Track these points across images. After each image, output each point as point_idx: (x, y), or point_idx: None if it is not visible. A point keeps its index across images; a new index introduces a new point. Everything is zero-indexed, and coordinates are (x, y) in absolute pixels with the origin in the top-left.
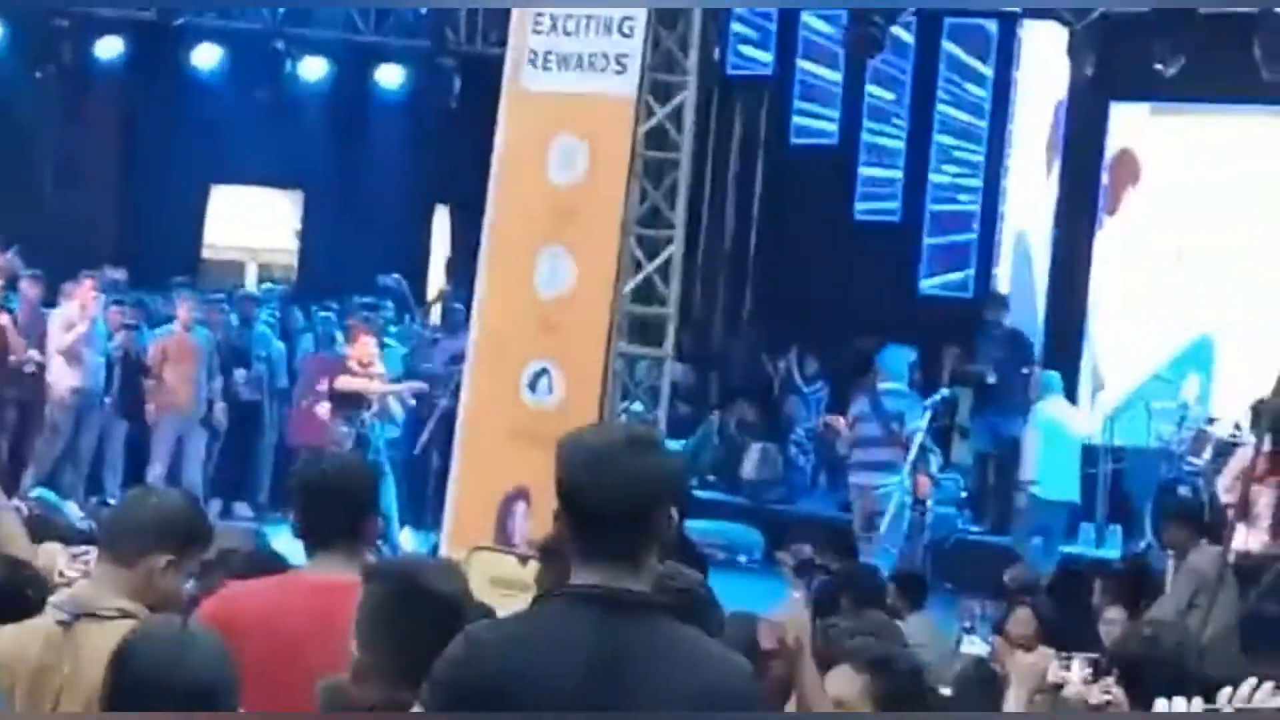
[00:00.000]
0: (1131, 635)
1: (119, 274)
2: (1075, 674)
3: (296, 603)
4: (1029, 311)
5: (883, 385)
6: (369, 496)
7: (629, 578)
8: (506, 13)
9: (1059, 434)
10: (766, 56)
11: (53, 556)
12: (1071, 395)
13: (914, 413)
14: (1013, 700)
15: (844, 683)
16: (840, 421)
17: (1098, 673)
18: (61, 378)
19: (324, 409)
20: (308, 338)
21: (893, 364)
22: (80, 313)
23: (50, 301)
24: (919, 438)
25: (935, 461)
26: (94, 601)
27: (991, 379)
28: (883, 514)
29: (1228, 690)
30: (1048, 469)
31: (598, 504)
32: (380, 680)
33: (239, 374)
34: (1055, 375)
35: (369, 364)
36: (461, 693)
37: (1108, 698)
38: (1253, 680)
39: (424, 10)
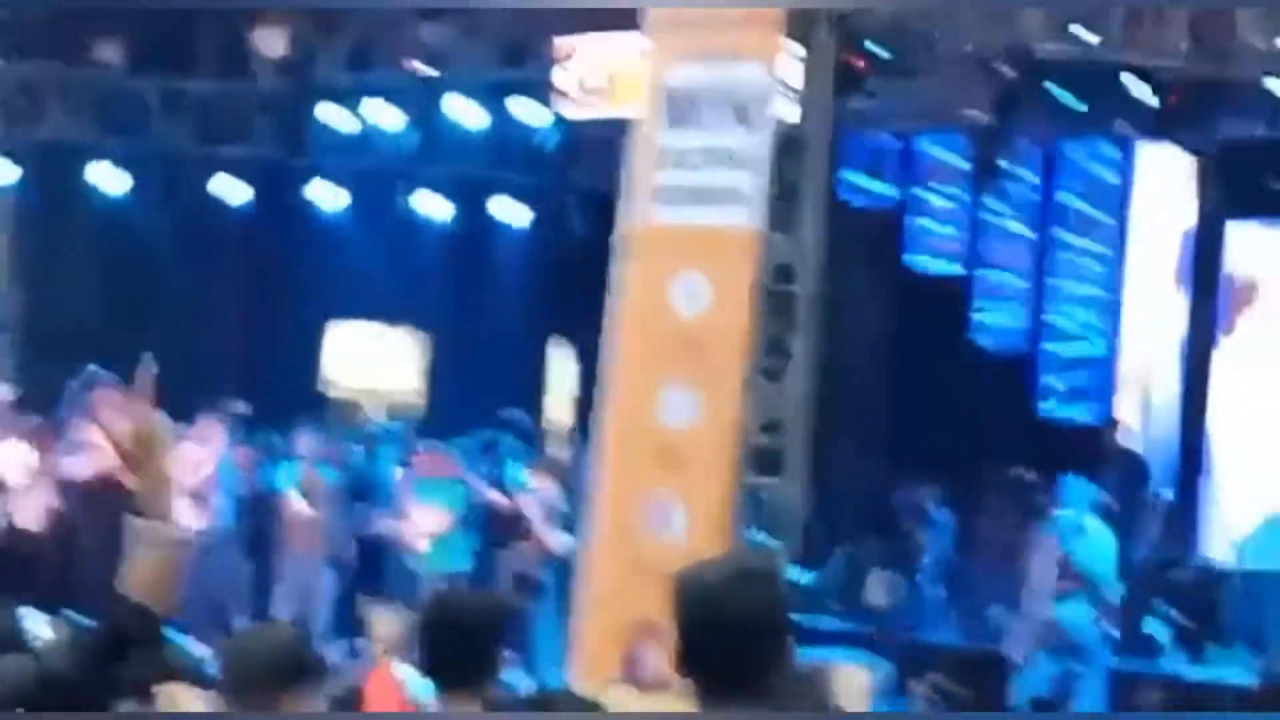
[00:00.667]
0: None
1: (242, 407)
2: None
3: None
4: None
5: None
6: (501, 635)
7: (751, 709)
8: (625, 146)
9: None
10: (887, 187)
11: (173, 698)
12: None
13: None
14: None
15: None
16: None
17: None
18: (188, 519)
19: None
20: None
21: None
22: (207, 453)
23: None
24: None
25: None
26: None
27: (1115, 506)
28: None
29: None
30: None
31: (712, 640)
32: None
33: (366, 512)
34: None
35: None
36: None
37: None
38: None
39: (543, 144)
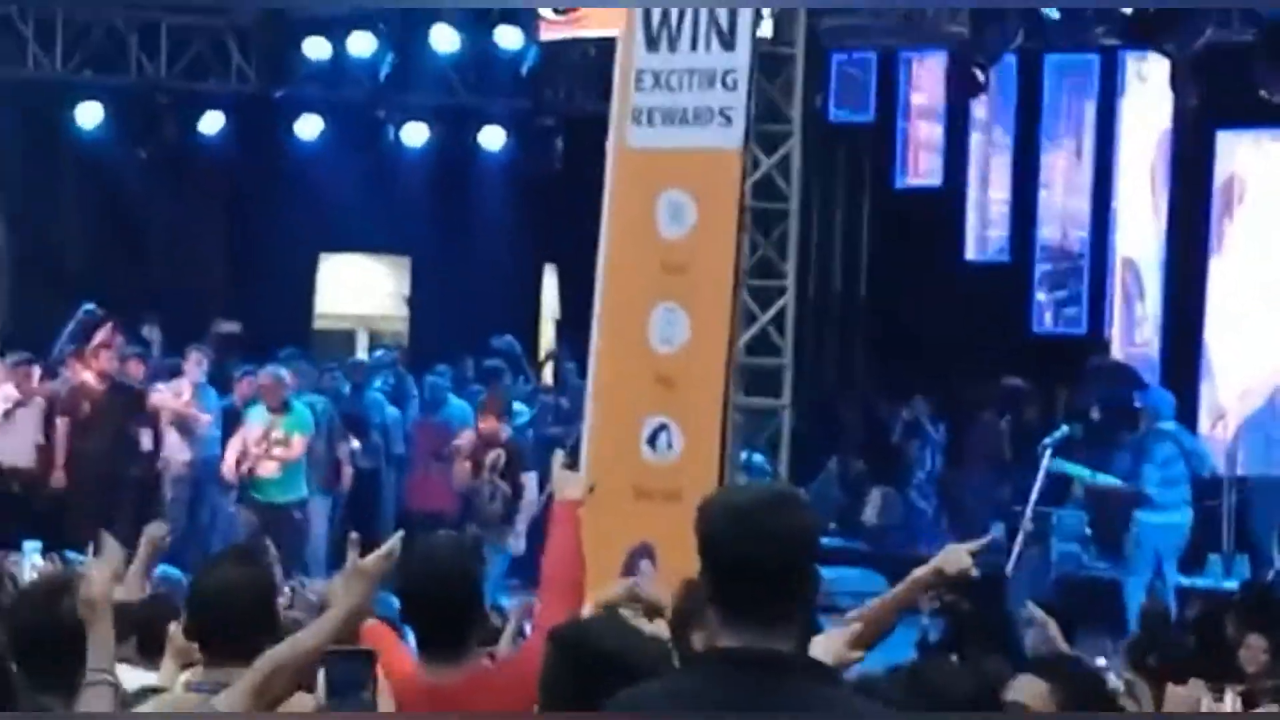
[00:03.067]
0: None
1: (233, 327)
2: (1228, 704)
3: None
4: (1145, 344)
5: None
6: (478, 588)
7: (776, 638)
8: (607, 70)
9: (1170, 457)
10: (868, 102)
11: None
12: (1191, 426)
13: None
14: None
15: (1028, 690)
16: None
17: (1249, 703)
18: (174, 451)
19: (441, 474)
20: (417, 403)
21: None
22: (187, 383)
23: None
24: (1040, 476)
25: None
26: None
27: (1096, 414)
28: None
29: None
30: (1160, 493)
31: (741, 564)
32: None
33: (355, 443)
34: (1166, 397)
35: (493, 438)
36: None
37: None
38: None
39: (524, 71)
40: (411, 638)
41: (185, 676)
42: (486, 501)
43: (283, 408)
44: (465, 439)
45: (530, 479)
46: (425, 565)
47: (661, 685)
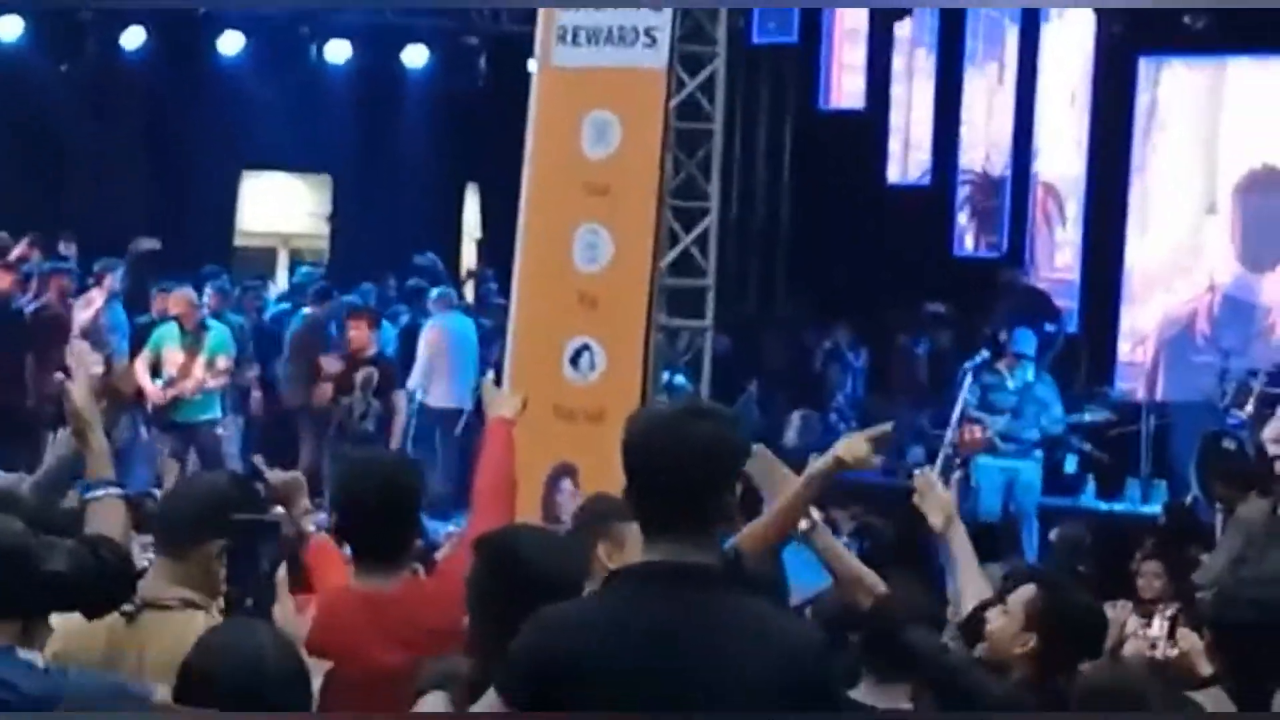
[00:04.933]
0: (1232, 596)
1: (153, 243)
2: (1156, 629)
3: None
4: (1065, 268)
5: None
6: (417, 503)
7: (696, 552)
8: None
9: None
10: (792, 24)
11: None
12: (1110, 352)
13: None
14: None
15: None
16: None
17: (1174, 627)
18: (80, 361)
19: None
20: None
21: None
22: (100, 292)
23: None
24: (960, 401)
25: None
26: (156, 592)
27: (1004, 337)
28: None
29: None
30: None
31: (663, 475)
32: (488, 653)
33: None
34: (1027, 335)
35: (362, 352)
36: (537, 674)
37: (1177, 652)
38: None
39: None
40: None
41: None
42: (357, 420)
43: (199, 328)
44: (333, 357)
45: (401, 396)
46: (364, 477)
47: (586, 601)
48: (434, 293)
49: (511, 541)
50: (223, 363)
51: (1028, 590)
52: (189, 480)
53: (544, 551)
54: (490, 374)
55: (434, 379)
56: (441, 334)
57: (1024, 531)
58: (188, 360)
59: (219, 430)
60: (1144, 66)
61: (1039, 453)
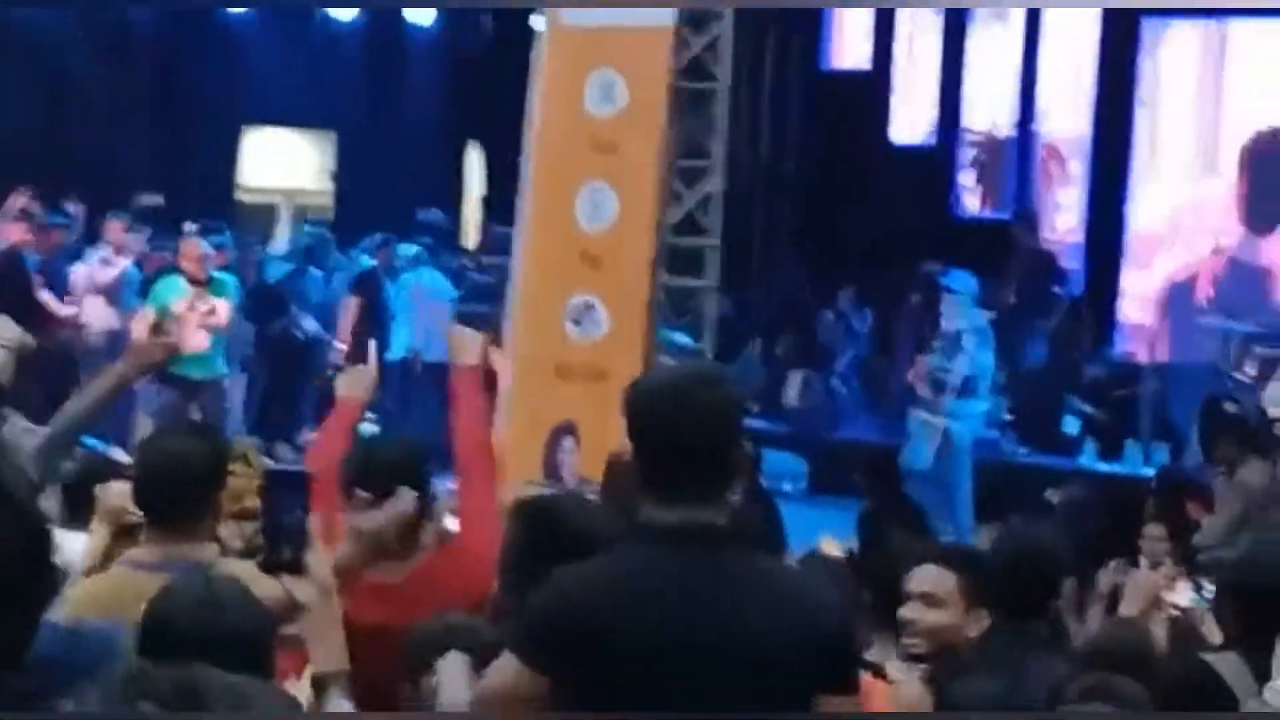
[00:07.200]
0: (1249, 560)
1: (156, 200)
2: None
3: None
4: (1069, 230)
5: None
6: (426, 486)
7: (708, 512)
8: None
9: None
10: None
11: (123, 496)
12: (1112, 312)
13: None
14: (1123, 613)
15: (932, 580)
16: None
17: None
18: (97, 320)
19: None
20: (341, 277)
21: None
22: (115, 253)
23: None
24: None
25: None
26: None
27: (1012, 300)
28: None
29: None
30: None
31: (673, 441)
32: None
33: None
34: (965, 279)
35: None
36: (554, 634)
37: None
38: None
39: None
40: None
41: (132, 553)
42: None
43: (207, 281)
44: None
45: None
46: (374, 462)
47: (600, 562)
48: (409, 250)
49: (551, 507)
50: (224, 309)
51: (939, 577)
52: (168, 448)
53: (583, 516)
54: (455, 323)
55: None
56: (424, 290)
57: (955, 493)
58: (192, 309)
59: (217, 389)
60: (1148, 27)
61: (974, 405)
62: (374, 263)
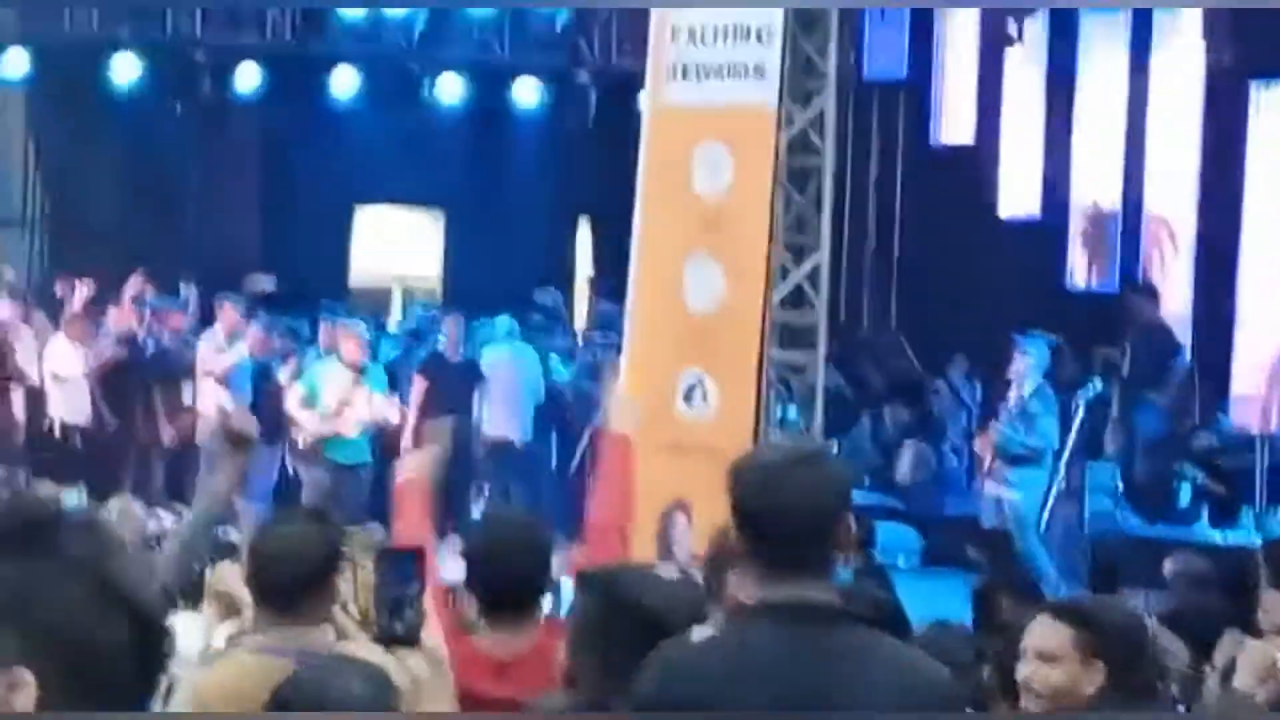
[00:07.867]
0: None
1: (268, 282)
2: None
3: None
4: (1178, 301)
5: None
6: (547, 558)
7: (816, 589)
8: (643, 25)
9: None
10: (902, 59)
11: (234, 579)
12: (1224, 384)
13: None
14: (1238, 684)
15: (1047, 634)
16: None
17: None
18: (212, 402)
19: None
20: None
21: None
22: (228, 337)
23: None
24: (1073, 431)
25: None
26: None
27: (1126, 370)
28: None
29: None
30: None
31: (778, 522)
32: (587, 687)
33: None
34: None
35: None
36: (666, 709)
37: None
38: None
39: (559, 27)
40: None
41: (252, 638)
42: None
43: (362, 368)
44: None
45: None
46: (495, 531)
47: (709, 639)
48: (504, 325)
49: (617, 579)
50: (382, 402)
51: (1053, 630)
52: (286, 535)
53: (650, 590)
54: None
55: (492, 409)
56: (500, 365)
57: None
58: (350, 397)
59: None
60: (1256, 92)
61: (1036, 474)
62: (443, 344)
